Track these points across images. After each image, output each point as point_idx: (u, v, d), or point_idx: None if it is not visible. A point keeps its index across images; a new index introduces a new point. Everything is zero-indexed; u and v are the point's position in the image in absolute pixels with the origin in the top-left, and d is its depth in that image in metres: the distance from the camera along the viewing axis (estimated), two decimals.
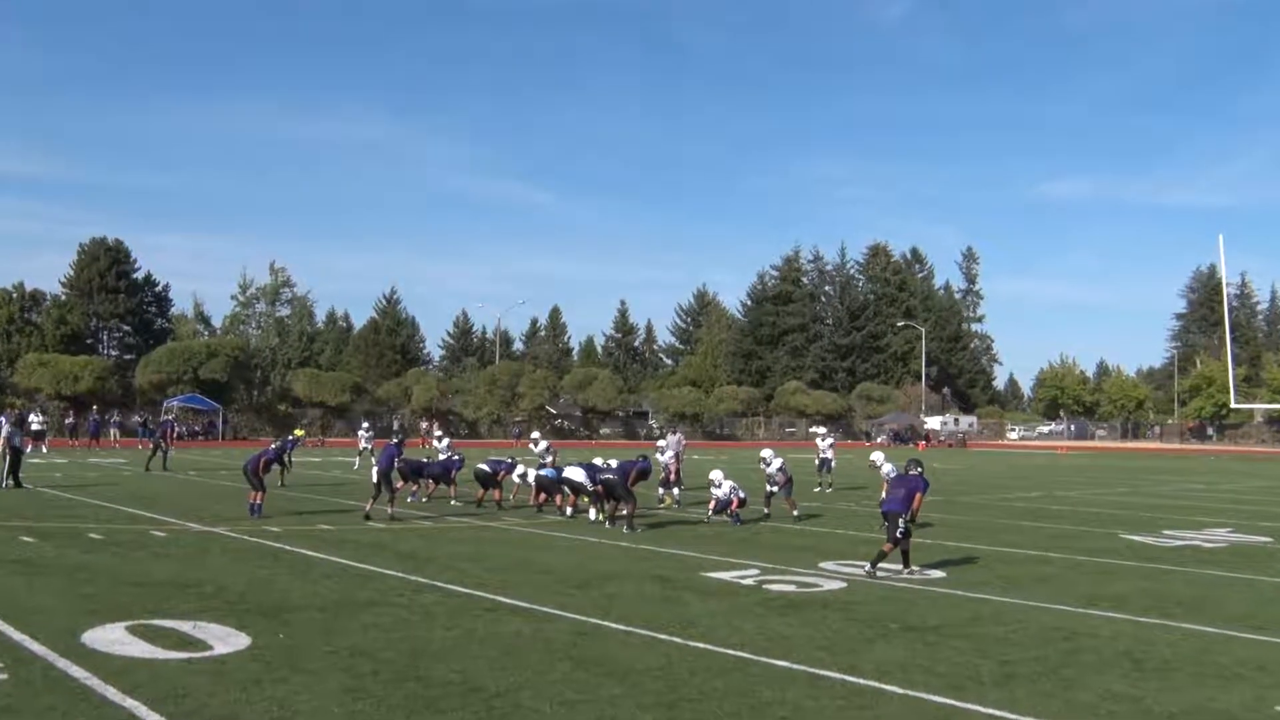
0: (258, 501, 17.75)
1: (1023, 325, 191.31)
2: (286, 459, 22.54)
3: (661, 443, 23.74)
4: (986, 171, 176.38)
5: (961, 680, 7.52)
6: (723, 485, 18.17)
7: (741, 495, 18.23)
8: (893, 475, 16.46)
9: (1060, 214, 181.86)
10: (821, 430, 30.49)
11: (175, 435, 35.54)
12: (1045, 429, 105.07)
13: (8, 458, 22.75)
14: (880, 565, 12.40)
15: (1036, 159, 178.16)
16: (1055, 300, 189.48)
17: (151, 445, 31.99)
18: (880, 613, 10.00)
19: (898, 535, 12.25)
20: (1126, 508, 23.25)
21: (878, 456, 18.84)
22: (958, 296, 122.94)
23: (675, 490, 21.38)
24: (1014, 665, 8.00)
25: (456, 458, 21.81)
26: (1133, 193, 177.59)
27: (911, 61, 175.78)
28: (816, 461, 26.72)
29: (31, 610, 9.26)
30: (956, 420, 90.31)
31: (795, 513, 19.11)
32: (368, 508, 17.71)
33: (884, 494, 13.80)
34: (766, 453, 19.70)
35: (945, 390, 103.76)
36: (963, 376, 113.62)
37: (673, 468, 21.82)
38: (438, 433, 30.99)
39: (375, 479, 17.75)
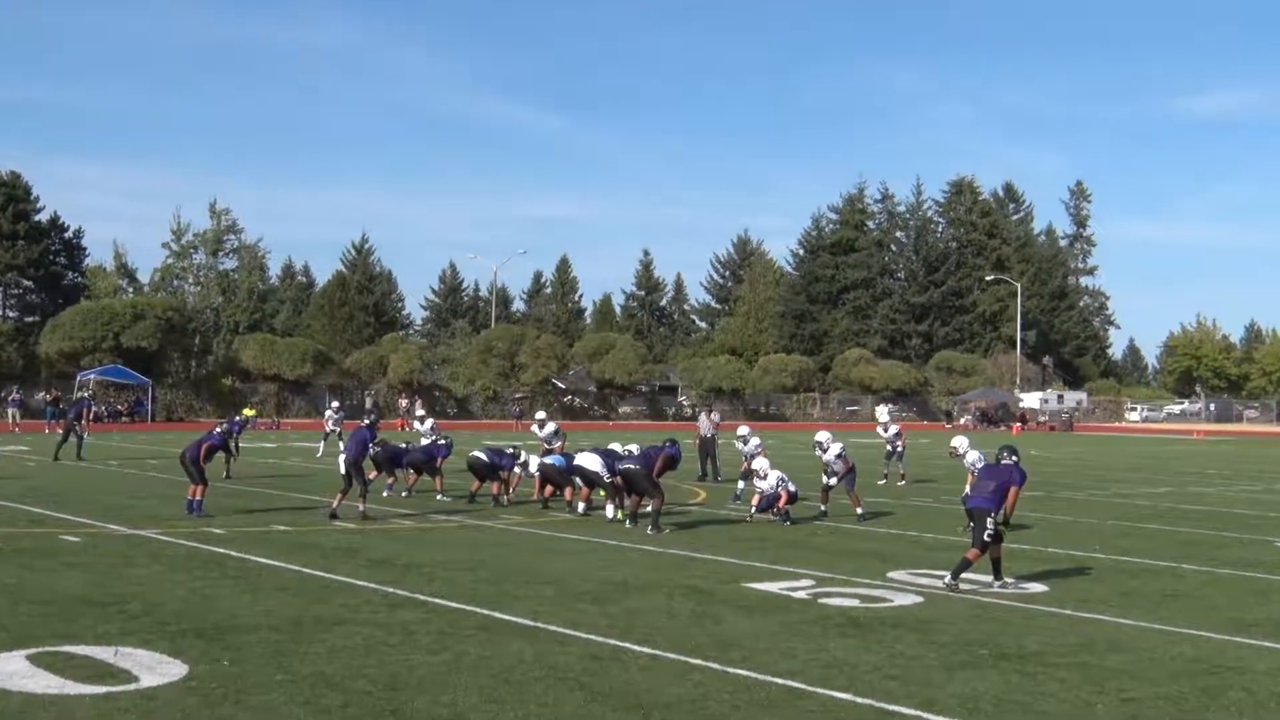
0: (198, 497, 17.84)
1: (1147, 278, 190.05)
2: (233, 445, 22.82)
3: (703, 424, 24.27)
4: (1105, 83, 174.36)
5: None
6: (769, 476, 18.19)
7: (792, 488, 18.21)
8: (980, 465, 16.59)
9: (1204, 136, 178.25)
10: (884, 410, 30.51)
11: (92, 417, 35.70)
12: (1176, 408, 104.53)
13: None
14: (964, 576, 12.34)
15: (1174, 67, 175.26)
16: (1191, 246, 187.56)
17: (63, 429, 32.23)
18: (965, 635, 9.97)
19: (986, 539, 12.20)
20: None
21: (960, 442, 18.85)
22: (1063, 243, 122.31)
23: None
24: (1138, 705, 7.94)
25: (443, 442, 21.86)
26: None
27: None
28: (886, 449, 27.05)
29: None
30: (1061, 397, 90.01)
31: (859, 510, 19.14)
32: (334, 504, 17.78)
33: (968, 488, 13.77)
34: (823, 436, 19.67)
35: (1046, 360, 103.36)
36: (1069, 343, 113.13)
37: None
38: (420, 412, 31.18)
39: (344, 469, 17.83)
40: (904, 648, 9.41)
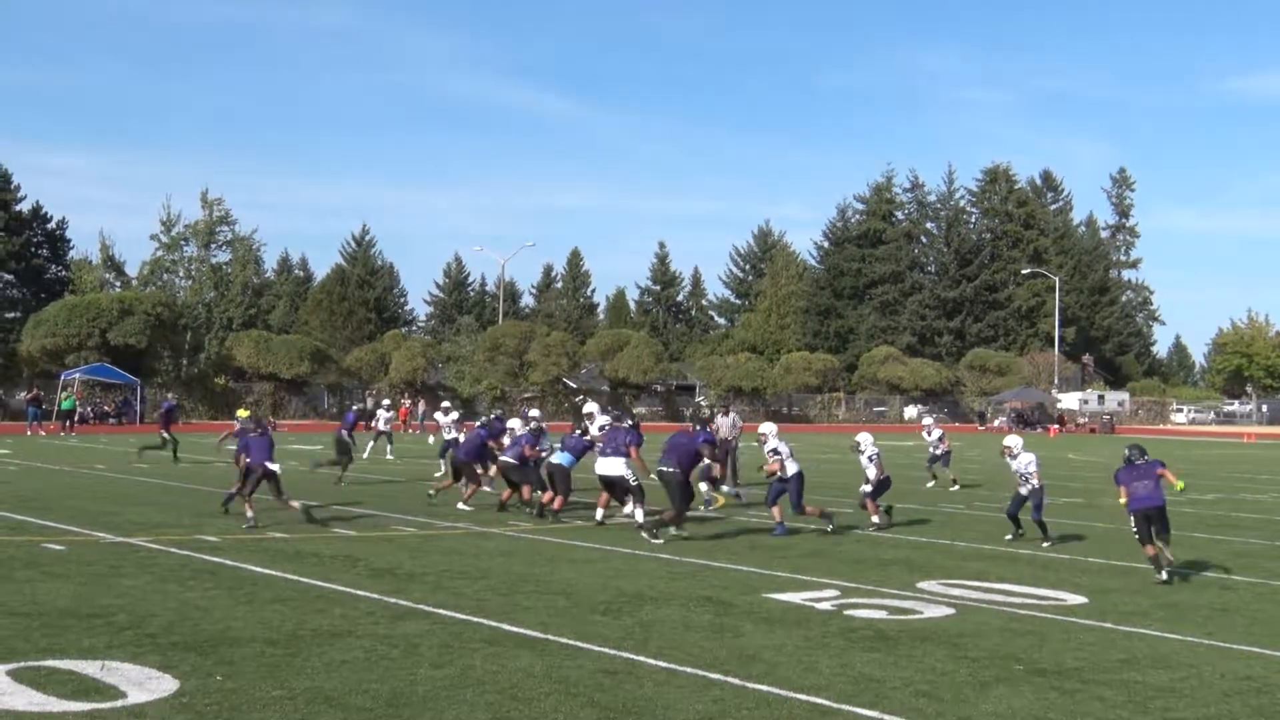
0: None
1: (1194, 272, 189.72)
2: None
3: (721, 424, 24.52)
4: (1149, 64, 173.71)
5: None
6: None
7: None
8: (1033, 468, 17.44)
9: (1254, 119, 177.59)
10: (925, 414, 30.83)
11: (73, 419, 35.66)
12: (1226, 409, 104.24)
13: None
14: (1000, 588, 12.30)
15: (1223, 47, 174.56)
16: (1241, 237, 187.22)
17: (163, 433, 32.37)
18: (999, 649, 9.96)
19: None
20: None
21: (1015, 441, 18.16)
22: (1104, 235, 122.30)
23: (724, 487, 21.51)
24: None
25: (452, 436, 22.37)
26: None
27: None
28: (932, 452, 27.87)
29: None
30: (1102, 398, 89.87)
31: (875, 519, 19.04)
32: (467, 494, 19.94)
33: (1124, 493, 14.06)
34: (863, 438, 19.66)
35: (1086, 358, 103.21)
36: (1110, 340, 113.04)
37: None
38: (446, 405, 31.20)
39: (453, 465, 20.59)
40: (934, 662, 9.41)
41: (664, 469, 17.25)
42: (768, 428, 18.46)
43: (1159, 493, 13.88)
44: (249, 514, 17.25)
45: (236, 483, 18.24)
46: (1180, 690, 8.81)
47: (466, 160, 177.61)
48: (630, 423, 19.40)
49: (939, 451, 27.56)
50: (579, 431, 20.59)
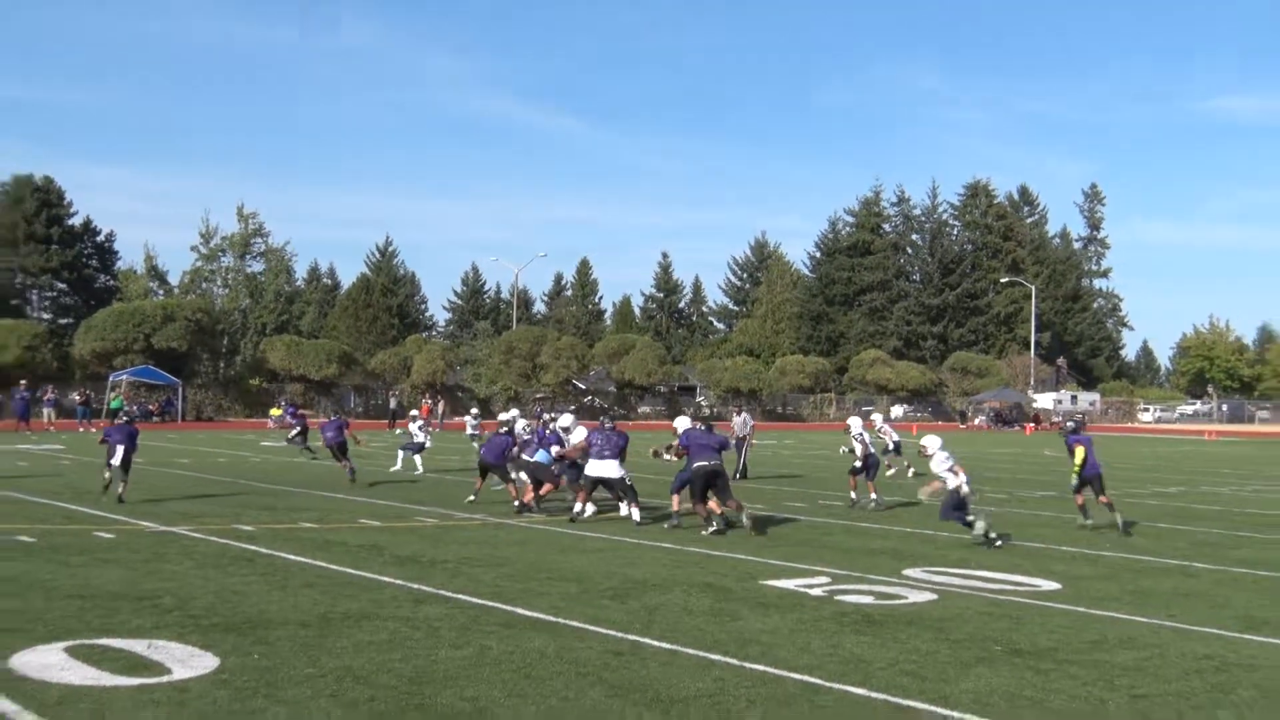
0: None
1: (1160, 281, 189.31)
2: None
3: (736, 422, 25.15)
4: (1122, 85, 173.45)
5: (1082, 718, 7.47)
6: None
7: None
8: (948, 464, 16.19)
9: (1217, 139, 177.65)
10: (876, 417, 31.27)
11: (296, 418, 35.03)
12: (1189, 409, 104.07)
13: None
14: (981, 574, 12.27)
15: (1186, 69, 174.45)
16: (1204, 249, 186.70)
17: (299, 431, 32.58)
18: (979, 632, 9.97)
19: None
20: None
21: (929, 443, 17.02)
22: (1077, 246, 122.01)
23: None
24: (1150, 701, 7.94)
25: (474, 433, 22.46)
26: None
27: None
28: (888, 444, 28.31)
29: None
30: (1074, 398, 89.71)
31: (853, 494, 20.91)
32: (523, 499, 18.87)
33: (1079, 453, 15.15)
34: (853, 422, 21.04)
35: (1060, 361, 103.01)
36: (1082, 344, 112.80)
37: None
38: (475, 412, 31.24)
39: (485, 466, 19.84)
40: (919, 644, 9.42)
41: (706, 463, 16.50)
42: (931, 441, 16.92)
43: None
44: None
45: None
46: (1145, 669, 8.82)
47: (483, 175, 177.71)
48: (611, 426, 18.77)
49: (892, 440, 28.25)
50: (548, 430, 19.79)
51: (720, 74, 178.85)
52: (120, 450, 19.55)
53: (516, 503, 18.98)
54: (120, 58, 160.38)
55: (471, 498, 20.14)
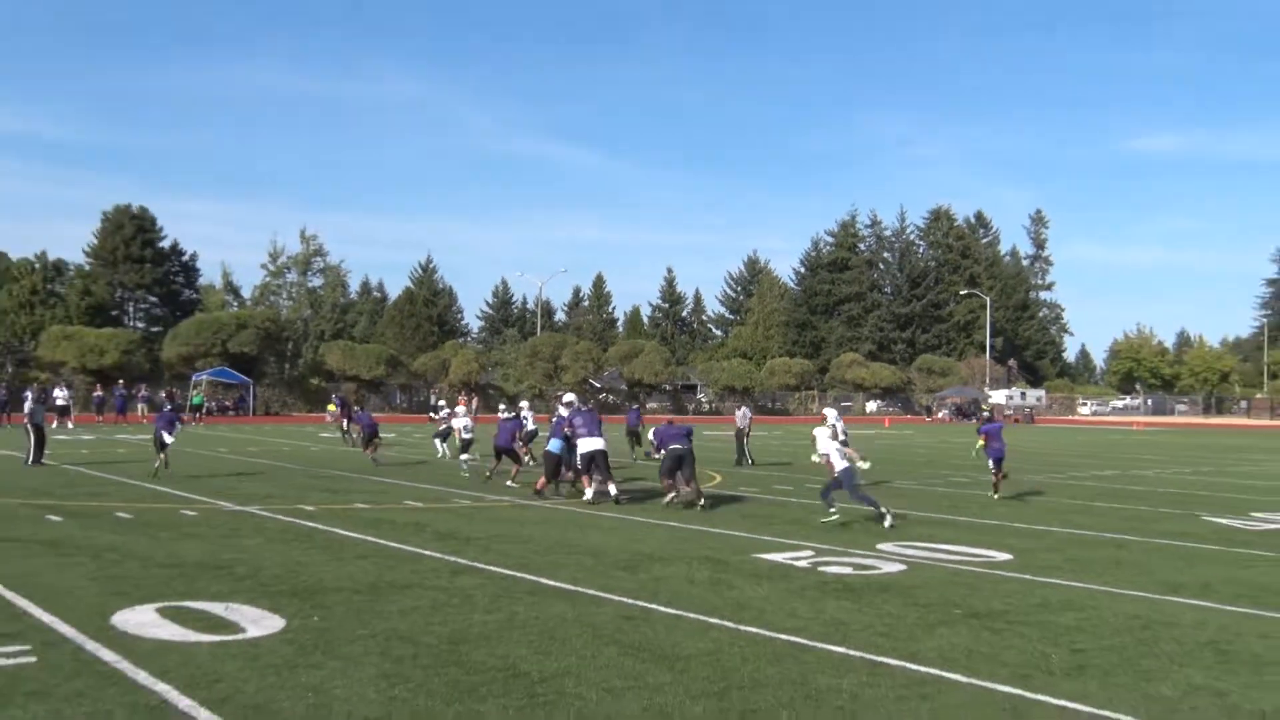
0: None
1: (1095, 293, 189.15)
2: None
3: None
4: (1063, 127, 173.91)
5: (1029, 670, 7.46)
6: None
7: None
8: (839, 450, 15.77)
9: (1144, 173, 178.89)
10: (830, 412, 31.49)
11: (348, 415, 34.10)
12: (1120, 404, 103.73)
13: (32, 436, 23.22)
14: (944, 548, 12.24)
15: (1117, 114, 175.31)
16: (1133, 266, 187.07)
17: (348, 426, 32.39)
18: (942, 597, 9.94)
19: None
20: (1210, 488, 22.91)
21: (816, 433, 16.54)
22: (1025, 263, 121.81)
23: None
24: (1086, 655, 7.92)
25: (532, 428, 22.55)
26: (1227, 149, 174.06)
27: (978, 3, 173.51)
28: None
29: (60, 592, 9.45)
30: (1024, 394, 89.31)
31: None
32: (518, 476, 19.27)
33: (984, 439, 15.23)
34: (829, 412, 19.52)
35: (1011, 362, 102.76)
36: (1030, 348, 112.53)
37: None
38: (524, 403, 31.12)
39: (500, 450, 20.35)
40: (891, 609, 9.39)
41: (678, 447, 16.86)
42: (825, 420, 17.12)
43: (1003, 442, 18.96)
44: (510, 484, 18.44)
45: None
46: (1084, 627, 8.80)
47: (511, 203, 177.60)
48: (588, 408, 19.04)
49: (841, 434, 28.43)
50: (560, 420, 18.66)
51: (715, 121, 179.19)
52: (163, 434, 21.06)
53: (510, 481, 19.64)
54: (205, 106, 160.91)
55: (488, 475, 21.06)
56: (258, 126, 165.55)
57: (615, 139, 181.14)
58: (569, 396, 19.39)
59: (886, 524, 14.70)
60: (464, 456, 23.29)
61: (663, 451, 17.28)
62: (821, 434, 16.23)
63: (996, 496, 19.29)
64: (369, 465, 24.33)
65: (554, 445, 18.09)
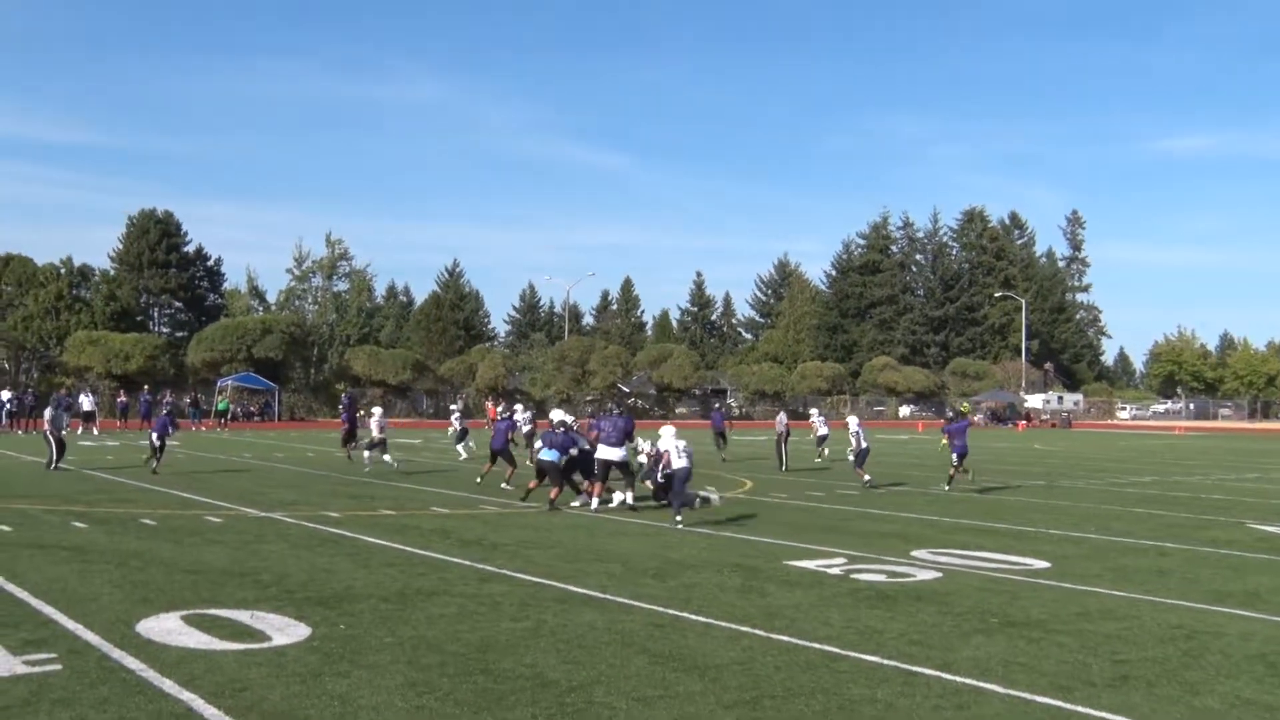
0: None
1: (1135, 295, 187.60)
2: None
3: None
4: (1095, 128, 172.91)
5: (1069, 681, 7.38)
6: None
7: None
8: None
9: (1179, 173, 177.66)
10: (816, 410, 34.44)
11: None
12: (1161, 408, 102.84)
13: (53, 442, 23.58)
14: (978, 555, 12.17)
15: (1152, 113, 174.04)
16: (1172, 267, 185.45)
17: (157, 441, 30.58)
18: (978, 606, 9.87)
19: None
20: (1256, 495, 22.66)
21: (667, 431, 16.88)
22: (1061, 264, 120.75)
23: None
24: (1129, 666, 7.83)
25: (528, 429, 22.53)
26: (1262, 148, 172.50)
27: (1010, 4, 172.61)
28: (814, 436, 30.48)
29: (85, 598, 9.53)
30: (1060, 398, 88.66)
31: (865, 478, 22.19)
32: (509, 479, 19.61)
33: (948, 439, 17.61)
34: (851, 419, 22.64)
35: (1048, 366, 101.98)
36: (1067, 351, 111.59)
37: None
38: (519, 407, 31.16)
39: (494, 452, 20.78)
40: (925, 617, 9.34)
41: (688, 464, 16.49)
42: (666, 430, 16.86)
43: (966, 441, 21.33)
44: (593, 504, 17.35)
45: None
46: (1125, 637, 8.72)
47: (538, 205, 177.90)
48: (618, 412, 19.80)
49: (821, 433, 30.26)
50: (560, 429, 17.97)
51: (745, 122, 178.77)
52: (154, 435, 22.94)
53: (504, 484, 20.24)
54: (229, 112, 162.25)
55: (480, 479, 21.50)
56: (283, 130, 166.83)
57: (643, 142, 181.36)
58: (558, 415, 19.05)
59: (651, 510, 16.43)
60: (367, 454, 24.80)
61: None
62: (666, 433, 16.64)
63: (948, 489, 21.54)
64: (395, 473, 24.35)
65: (548, 454, 17.54)
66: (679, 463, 15.84)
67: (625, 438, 17.78)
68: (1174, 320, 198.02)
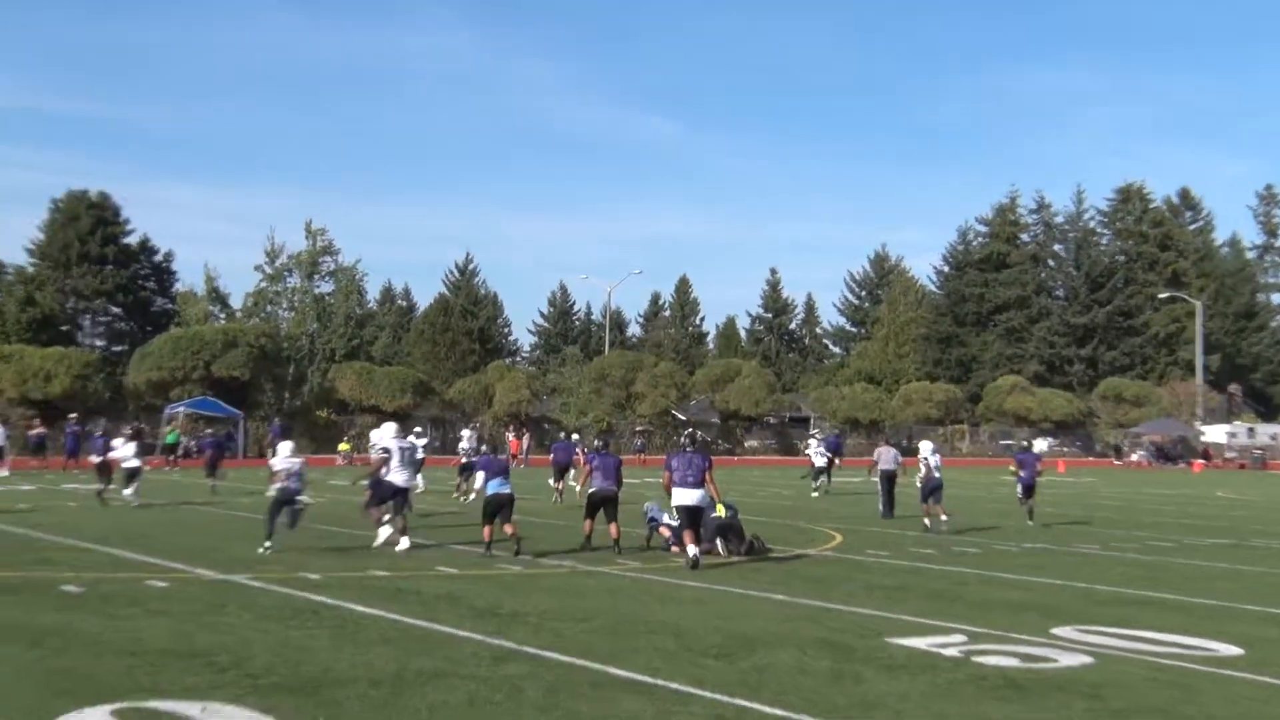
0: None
1: None
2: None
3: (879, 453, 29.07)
4: None
5: None
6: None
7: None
8: (933, 459, 21.27)
9: None
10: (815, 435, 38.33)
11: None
12: None
13: None
14: (1132, 634, 11.97)
15: None
16: None
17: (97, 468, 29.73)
18: (1142, 702, 9.72)
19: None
20: None
21: (812, 446, 22.94)
22: (1251, 255, 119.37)
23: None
24: None
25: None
26: None
27: None
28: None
29: None
30: (1252, 431, 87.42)
31: (926, 521, 24.11)
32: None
33: (1016, 465, 21.08)
34: (924, 445, 24.71)
35: (1233, 388, 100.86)
36: (1260, 368, 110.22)
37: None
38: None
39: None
40: (1072, 714, 9.21)
41: (503, 493, 18.96)
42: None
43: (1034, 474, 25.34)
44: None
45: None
46: None
47: (571, 186, 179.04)
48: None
49: (819, 465, 34.79)
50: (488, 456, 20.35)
51: (833, 80, 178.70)
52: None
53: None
54: (184, 71, 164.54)
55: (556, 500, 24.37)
56: (251, 92, 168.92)
57: (701, 105, 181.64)
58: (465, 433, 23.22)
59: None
60: (127, 491, 26.77)
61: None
62: (382, 432, 19.92)
63: (1031, 523, 25.21)
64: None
65: (494, 485, 19.08)
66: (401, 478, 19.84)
67: (704, 478, 18.29)
68: None
